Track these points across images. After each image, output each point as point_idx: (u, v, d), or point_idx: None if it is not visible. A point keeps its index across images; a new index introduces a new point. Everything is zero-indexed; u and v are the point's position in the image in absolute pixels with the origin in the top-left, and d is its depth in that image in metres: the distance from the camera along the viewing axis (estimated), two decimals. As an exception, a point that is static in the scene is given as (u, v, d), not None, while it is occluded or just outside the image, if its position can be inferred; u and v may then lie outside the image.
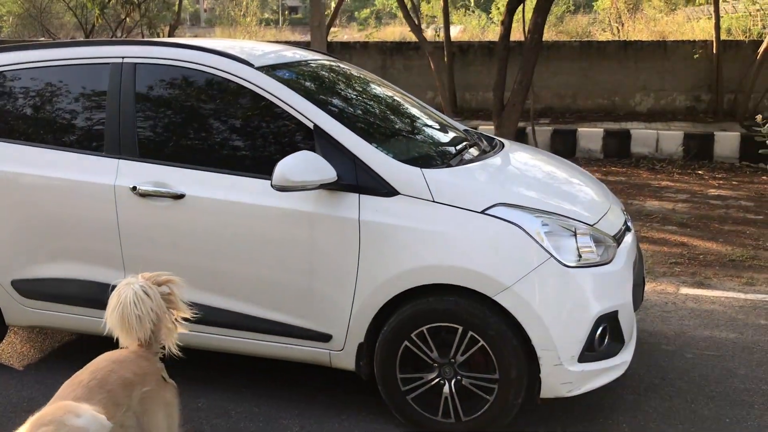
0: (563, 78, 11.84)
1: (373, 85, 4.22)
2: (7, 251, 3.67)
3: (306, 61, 3.94)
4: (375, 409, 3.38)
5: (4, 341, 4.12)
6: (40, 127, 3.72)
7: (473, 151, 3.75)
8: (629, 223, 3.70)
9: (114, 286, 2.52)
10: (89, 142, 3.58)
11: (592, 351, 3.08)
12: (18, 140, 3.69)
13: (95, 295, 3.46)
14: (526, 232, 3.01)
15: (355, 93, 3.99)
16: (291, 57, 3.87)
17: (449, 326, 3.07)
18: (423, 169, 3.17)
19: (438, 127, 4.06)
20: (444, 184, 3.14)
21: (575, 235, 3.12)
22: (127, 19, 12.68)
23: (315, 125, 3.23)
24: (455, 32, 27.73)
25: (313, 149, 3.19)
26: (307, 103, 3.29)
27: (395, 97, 4.18)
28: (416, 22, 8.43)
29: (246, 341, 3.40)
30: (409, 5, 9.41)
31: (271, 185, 3.03)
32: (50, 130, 3.69)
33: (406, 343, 3.13)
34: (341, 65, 4.27)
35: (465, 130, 4.32)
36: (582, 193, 3.61)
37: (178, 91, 3.56)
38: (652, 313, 4.57)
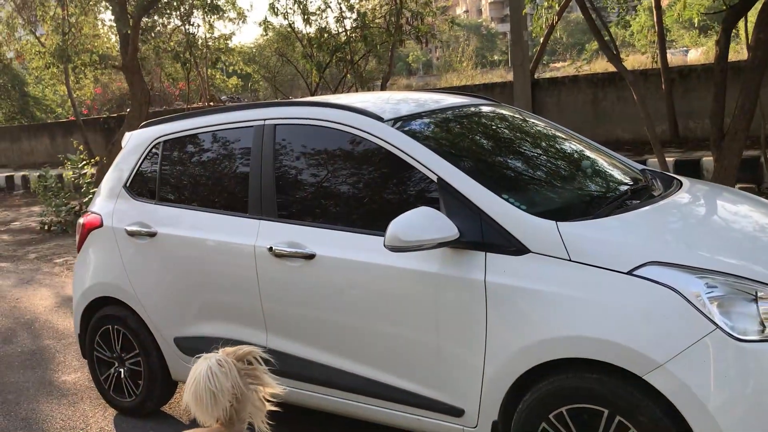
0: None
1: (528, 129, 3.86)
2: (170, 309, 3.85)
3: (446, 108, 3.70)
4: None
5: (177, 395, 4.33)
6: (198, 190, 3.89)
7: (638, 197, 3.23)
8: None
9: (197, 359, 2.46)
10: (237, 203, 3.66)
11: (777, 447, 2.42)
12: (177, 204, 3.90)
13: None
14: (683, 297, 2.47)
15: (497, 140, 3.67)
16: (430, 106, 3.65)
17: (593, 408, 2.60)
18: (559, 223, 2.76)
19: (601, 171, 3.58)
20: (583, 240, 2.70)
21: (756, 299, 2.50)
22: (347, 76, 13.37)
23: (438, 177, 2.98)
24: (696, 55, 25.65)
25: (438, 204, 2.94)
26: (432, 154, 3.05)
27: (555, 141, 3.78)
28: (614, 51, 7.79)
29: (377, 409, 3.19)
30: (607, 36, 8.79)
31: (384, 245, 2.83)
32: (205, 193, 3.85)
33: (544, 424, 2.71)
34: (495, 109, 3.96)
35: (642, 171, 3.78)
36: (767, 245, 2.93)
37: (311, 149, 3.52)
38: None
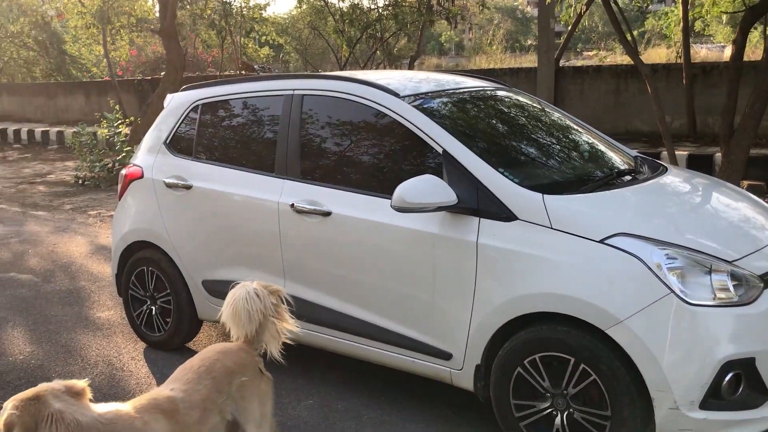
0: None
1: (533, 113, 4.23)
2: (200, 254, 4.31)
3: (460, 90, 4.08)
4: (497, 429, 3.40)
5: (201, 334, 4.80)
6: (230, 150, 4.32)
7: (622, 178, 3.61)
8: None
9: (233, 286, 2.91)
10: (265, 164, 4.08)
11: (719, 399, 2.81)
12: (211, 161, 4.33)
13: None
14: (645, 264, 2.86)
15: (501, 121, 4.05)
16: (445, 86, 4.04)
17: (561, 356, 3.01)
18: (545, 195, 3.15)
19: (593, 154, 3.95)
20: (564, 211, 3.09)
21: (710, 272, 2.88)
22: (377, 53, 13.72)
23: (444, 150, 3.37)
24: (730, 52, 25.52)
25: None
26: (439, 129, 3.44)
27: (556, 126, 4.15)
28: (632, 45, 8.05)
29: (376, 351, 3.62)
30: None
31: (391, 206, 3.24)
32: (236, 153, 4.28)
33: (519, 369, 3.12)
34: (508, 94, 4.32)
35: (635, 157, 4.14)
36: (734, 227, 3.30)
37: (333, 119, 3.93)
38: None
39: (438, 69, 22.10)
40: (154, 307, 4.60)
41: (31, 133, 19.04)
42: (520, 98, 4.34)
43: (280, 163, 3.97)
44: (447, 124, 3.56)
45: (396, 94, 3.67)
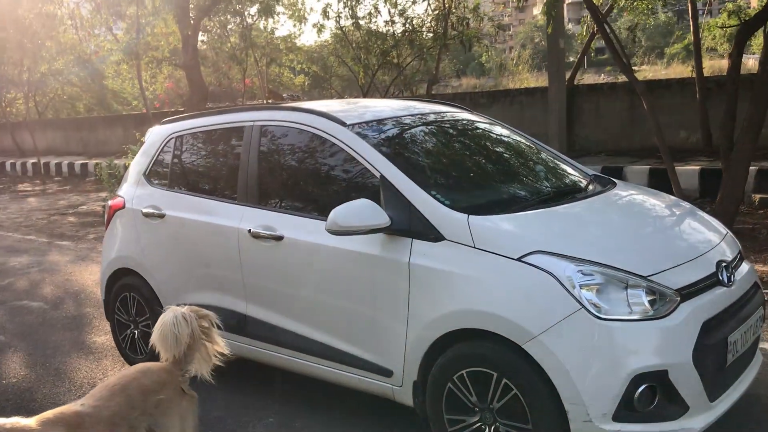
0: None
1: (481, 135, 4.35)
2: (173, 280, 4.52)
3: (408, 115, 4.23)
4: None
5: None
6: (200, 180, 4.56)
7: (560, 197, 3.70)
8: (736, 276, 3.32)
9: (164, 311, 3.10)
10: (229, 191, 4.29)
11: (632, 411, 2.87)
12: (183, 190, 4.57)
13: (226, 321, 4.11)
14: (558, 281, 2.95)
15: (442, 144, 4.18)
16: (394, 114, 4.20)
17: (486, 371, 3.10)
18: (470, 216, 3.27)
19: (535, 173, 4.05)
20: (486, 231, 3.21)
21: (627, 287, 2.95)
22: (387, 78, 13.95)
23: (381, 174, 3.53)
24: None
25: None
26: (377, 155, 3.60)
27: (502, 146, 4.27)
28: (625, 61, 8.09)
29: (328, 370, 3.76)
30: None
31: (325, 229, 3.40)
32: (205, 182, 4.51)
33: (449, 384, 3.23)
34: (462, 117, 4.46)
35: (592, 175, 4.22)
36: (659, 242, 3.35)
37: (287, 147, 4.13)
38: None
39: (475, 89, 22.24)
40: (136, 331, 4.83)
41: (71, 165, 19.83)
42: (474, 120, 4.46)
43: (241, 190, 4.18)
44: (386, 150, 3.71)
45: (342, 123, 3.84)
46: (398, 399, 3.51)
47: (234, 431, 3.91)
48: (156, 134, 4.90)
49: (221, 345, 3.11)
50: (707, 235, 3.57)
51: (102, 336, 5.68)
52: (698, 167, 9.90)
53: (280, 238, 3.87)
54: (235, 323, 4.16)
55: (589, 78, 23.33)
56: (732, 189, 7.35)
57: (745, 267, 3.56)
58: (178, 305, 3.10)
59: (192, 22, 12.67)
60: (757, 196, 8.96)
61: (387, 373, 3.49)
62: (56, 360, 5.21)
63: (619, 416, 2.85)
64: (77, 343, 5.56)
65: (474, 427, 3.19)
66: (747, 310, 3.30)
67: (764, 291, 5.38)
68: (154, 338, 3.02)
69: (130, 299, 4.83)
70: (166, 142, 4.77)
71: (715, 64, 21.58)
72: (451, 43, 13.50)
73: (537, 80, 21.66)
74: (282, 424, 3.95)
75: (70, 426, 2.44)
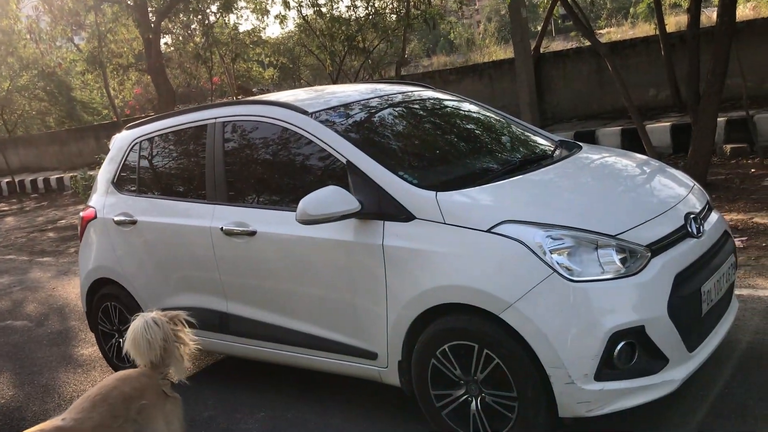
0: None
1: (444, 112, 4.35)
2: (152, 285, 4.51)
3: (372, 98, 4.22)
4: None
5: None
6: (168, 182, 4.53)
7: (527, 165, 3.72)
8: (705, 226, 3.36)
9: (134, 318, 3.10)
10: (198, 191, 4.27)
11: (613, 369, 2.91)
12: (152, 194, 4.54)
13: (208, 320, 4.12)
14: (528, 248, 2.97)
15: (407, 124, 4.17)
16: (356, 97, 4.19)
17: (467, 344, 3.13)
18: (438, 193, 3.27)
19: (502, 144, 4.07)
20: (455, 206, 3.22)
21: (597, 247, 2.98)
22: (356, 63, 13.88)
23: (347, 160, 3.52)
24: (745, 11, 25.09)
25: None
26: (342, 141, 3.59)
27: (466, 121, 4.27)
28: (586, 24, 8.10)
29: (313, 359, 3.77)
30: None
31: (296, 219, 3.40)
32: (173, 183, 4.49)
33: (433, 360, 3.25)
34: (427, 95, 4.45)
35: (558, 141, 4.23)
36: (627, 201, 3.38)
37: (251, 142, 4.11)
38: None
39: (445, 67, 22.21)
40: (121, 340, 4.81)
41: (47, 181, 19.63)
42: (440, 98, 4.46)
43: (210, 189, 4.16)
44: (352, 134, 3.71)
45: (304, 112, 3.83)
46: (385, 380, 3.53)
47: (226, 429, 3.92)
48: (121, 140, 4.85)
49: (191, 345, 3.12)
50: (675, 190, 3.60)
51: (89, 348, 5.65)
52: (669, 124, 9.96)
53: (253, 233, 3.86)
54: (218, 322, 4.16)
55: (557, 45, 23.34)
56: (702, 142, 7.41)
57: (714, 217, 3.60)
58: (148, 311, 3.10)
59: (153, 25, 12.52)
60: (728, 147, 9.03)
61: (371, 356, 3.51)
62: (44, 376, 5.18)
63: (600, 375, 2.89)
64: (64, 358, 5.53)
65: (461, 400, 3.22)
66: (718, 259, 3.35)
67: (736, 238, 5.49)
68: (128, 346, 3.02)
69: (112, 308, 4.82)
70: (132, 147, 4.74)
71: (681, 20, 21.62)
72: (415, 23, 13.44)
73: (505, 52, 21.63)
74: (274, 417, 3.96)
75: None
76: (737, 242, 5.31)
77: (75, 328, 6.29)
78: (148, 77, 23.26)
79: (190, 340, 3.11)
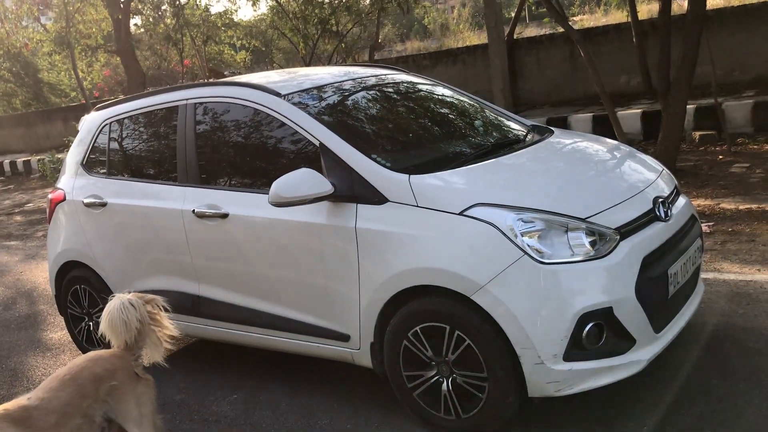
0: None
1: (417, 96, 4.36)
2: (122, 267, 4.47)
3: (345, 81, 4.21)
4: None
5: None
6: (138, 164, 4.48)
7: (499, 149, 3.74)
8: (673, 210, 3.42)
9: (111, 298, 3.07)
10: (169, 173, 4.23)
11: (582, 349, 2.95)
12: (122, 176, 4.49)
13: (180, 303, 4.09)
14: (499, 230, 3.00)
15: (380, 107, 4.17)
16: (331, 80, 4.17)
17: (438, 326, 3.15)
18: (411, 176, 3.28)
19: (475, 128, 4.08)
20: (428, 188, 3.23)
21: (567, 230, 3.02)
22: (329, 47, 13.81)
23: (320, 142, 3.51)
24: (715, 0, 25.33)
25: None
26: (315, 123, 3.58)
27: (440, 104, 4.28)
28: (559, 10, 8.14)
29: (285, 341, 3.78)
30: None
31: (268, 202, 3.39)
32: (144, 165, 4.44)
33: (405, 342, 3.27)
34: (400, 79, 4.45)
35: (531, 125, 4.26)
36: (597, 185, 3.42)
37: (223, 123, 4.07)
38: (764, 308, 4.08)
39: (419, 52, 22.16)
40: (91, 323, 4.77)
41: (13, 164, 19.25)
42: (413, 81, 4.46)
43: (181, 171, 4.12)
44: (325, 117, 3.70)
45: (277, 94, 3.80)
46: (357, 362, 3.55)
47: (198, 412, 3.91)
48: (90, 122, 4.78)
49: (171, 328, 3.10)
50: (644, 174, 3.65)
51: (58, 332, 5.59)
52: (640, 110, 10.07)
53: (225, 216, 3.84)
54: (190, 305, 4.14)
55: (531, 32, 23.40)
56: (672, 128, 7.51)
57: (681, 201, 3.66)
58: (124, 292, 3.07)
59: (122, 6, 12.31)
60: (697, 134, 9.17)
61: (344, 338, 3.52)
62: (12, 360, 5.12)
63: (569, 356, 2.93)
64: (33, 342, 5.47)
65: (432, 380, 3.25)
66: (685, 243, 3.41)
67: (704, 223, 5.59)
68: (104, 327, 2.99)
69: (81, 291, 4.77)
70: (101, 129, 4.67)
71: (653, 8, 21.84)
72: (389, 7, 13.39)
73: (479, 38, 21.62)
74: (246, 399, 3.96)
75: (15, 420, 2.41)
76: (704, 227, 5.41)
77: (44, 312, 6.21)
78: (117, 59, 22.94)
79: (169, 323, 3.09)
